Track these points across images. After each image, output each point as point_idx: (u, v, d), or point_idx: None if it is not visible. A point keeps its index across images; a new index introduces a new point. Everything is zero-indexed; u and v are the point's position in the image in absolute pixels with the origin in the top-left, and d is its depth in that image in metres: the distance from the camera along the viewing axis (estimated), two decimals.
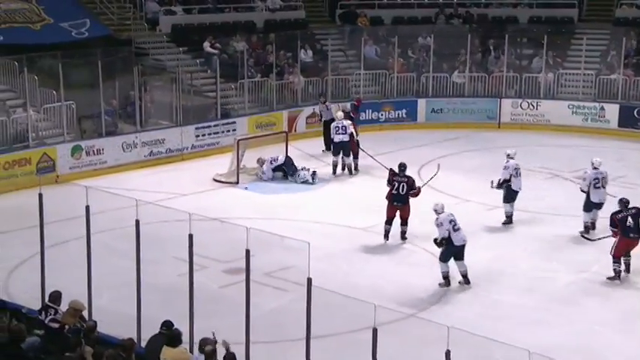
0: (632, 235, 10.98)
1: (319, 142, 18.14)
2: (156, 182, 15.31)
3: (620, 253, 10.96)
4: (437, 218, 10.83)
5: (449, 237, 10.69)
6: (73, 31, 18.41)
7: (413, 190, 12.46)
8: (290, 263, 10.58)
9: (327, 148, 16.15)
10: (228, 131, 17.94)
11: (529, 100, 20.57)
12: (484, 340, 6.92)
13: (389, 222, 12.44)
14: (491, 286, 10.68)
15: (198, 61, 19.71)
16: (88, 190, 8.30)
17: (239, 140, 15.86)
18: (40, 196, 8.61)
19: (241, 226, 7.60)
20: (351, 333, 8.93)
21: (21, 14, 18.24)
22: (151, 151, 16.77)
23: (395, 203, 12.41)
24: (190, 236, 7.86)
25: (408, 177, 12.59)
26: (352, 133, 16.12)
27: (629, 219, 10.98)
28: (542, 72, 20.78)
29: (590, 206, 12.64)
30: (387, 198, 12.47)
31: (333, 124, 16.38)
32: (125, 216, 9.17)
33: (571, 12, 23.35)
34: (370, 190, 14.97)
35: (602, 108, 19.99)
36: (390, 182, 12.55)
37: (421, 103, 20.79)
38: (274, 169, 15.56)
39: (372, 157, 15.99)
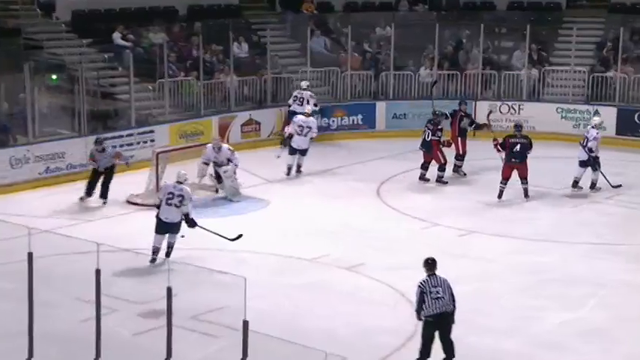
0: (513, 160, 15.38)
1: (257, 154, 18.22)
2: (54, 205, 15.11)
3: (506, 175, 15.46)
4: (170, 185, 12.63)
5: (160, 206, 12.32)
6: None
7: (436, 136, 16.44)
8: (222, 303, 10.51)
9: (88, 194, 15.29)
10: (145, 142, 17.83)
11: (509, 103, 20.89)
12: None
13: (423, 166, 16.60)
14: (467, 327, 10.74)
15: (106, 56, 19.55)
16: None
17: (159, 153, 15.76)
18: None
19: (160, 259, 7.54)
20: None
21: None
22: (48, 167, 16.56)
23: (420, 147, 16.64)
24: (97, 272, 7.78)
25: (435, 124, 16.61)
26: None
27: (518, 146, 15.35)
28: (525, 69, 21.17)
29: (294, 150, 17.16)
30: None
31: (296, 119, 17.56)
32: (14, 248, 9.02)
33: None
34: (321, 212, 15.09)
35: (597, 112, 20.34)
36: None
37: (380, 106, 20.99)
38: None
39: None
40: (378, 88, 21.31)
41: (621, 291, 11.80)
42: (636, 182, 17.00)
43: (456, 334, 10.55)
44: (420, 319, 9.39)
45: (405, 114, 20.86)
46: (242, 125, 19.53)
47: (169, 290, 7.47)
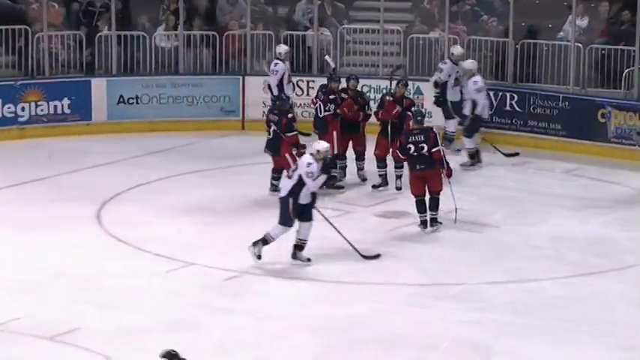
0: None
1: None
2: None
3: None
4: None
5: None
6: None
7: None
8: None
9: None
10: None
11: (297, 77, 21.11)
12: None
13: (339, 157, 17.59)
14: None
15: None
16: None
17: None
18: None
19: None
20: None
21: None
22: None
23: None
24: None
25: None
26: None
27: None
28: (315, 28, 21.61)
29: None
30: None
31: None
32: None
33: None
34: (10, 252, 14.75)
35: (419, 90, 20.97)
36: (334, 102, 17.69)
37: (97, 86, 20.86)
38: None
39: None
40: (94, 58, 21.19)
41: (459, 353, 12.07)
42: (473, 197, 17.48)
43: None
44: None
45: (136, 97, 20.96)
46: None
47: None
